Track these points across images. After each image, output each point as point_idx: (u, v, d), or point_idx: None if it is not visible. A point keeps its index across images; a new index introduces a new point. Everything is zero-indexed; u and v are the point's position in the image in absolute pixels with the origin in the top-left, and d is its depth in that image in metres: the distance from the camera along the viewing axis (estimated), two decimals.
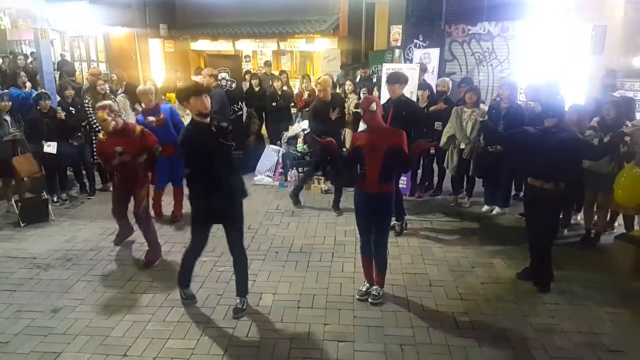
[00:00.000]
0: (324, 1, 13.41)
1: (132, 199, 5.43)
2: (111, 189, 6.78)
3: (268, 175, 8.41)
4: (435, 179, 7.75)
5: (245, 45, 15.07)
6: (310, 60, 14.76)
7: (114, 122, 5.10)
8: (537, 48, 9.29)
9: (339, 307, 4.42)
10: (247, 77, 10.61)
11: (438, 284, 4.84)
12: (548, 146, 4.38)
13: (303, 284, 4.84)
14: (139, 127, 5.31)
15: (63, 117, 6.93)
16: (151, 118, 6.09)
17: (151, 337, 3.98)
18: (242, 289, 4.38)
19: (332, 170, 7.14)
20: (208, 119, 4.01)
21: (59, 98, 7.55)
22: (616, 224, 6.20)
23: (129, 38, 15.44)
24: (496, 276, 5.04)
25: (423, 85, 7.63)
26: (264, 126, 10.28)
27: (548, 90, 6.02)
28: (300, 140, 8.61)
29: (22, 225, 6.34)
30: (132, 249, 5.73)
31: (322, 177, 7.89)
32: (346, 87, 9.00)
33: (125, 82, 9.12)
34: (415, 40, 10.77)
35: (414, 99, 7.20)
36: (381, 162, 4.16)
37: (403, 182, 7.29)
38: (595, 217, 5.92)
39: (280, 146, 8.81)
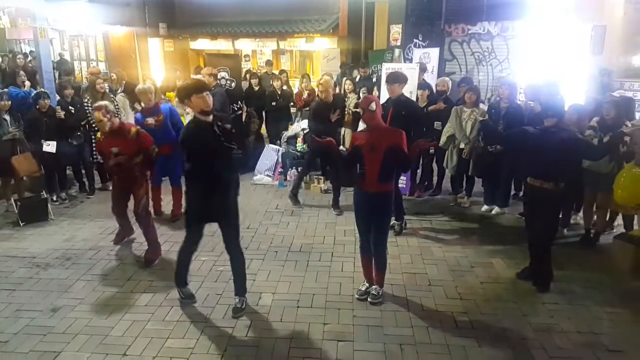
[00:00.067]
0: (324, 0, 13.41)
1: (131, 197, 5.44)
2: (110, 188, 6.78)
3: (268, 175, 8.41)
4: (435, 178, 7.75)
5: (245, 45, 15.07)
6: (310, 60, 14.76)
7: (109, 123, 5.12)
8: (536, 48, 9.28)
9: (339, 306, 4.42)
10: (248, 76, 10.59)
11: (437, 284, 4.85)
12: (548, 146, 4.38)
13: (302, 283, 4.84)
14: (134, 129, 5.29)
15: (62, 117, 6.93)
16: (150, 120, 6.09)
17: (151, 337, 3.98)
18: (240, 288, 4.37)
19: (331, 169, 7.15)
20: (210, 117, 4.00)
21: (58, 97, 7.54)
22: (615, 223, 6.21)
23: (129, 37, 15.43)
24: (496, 276, 5.04)
25: (423, 85, 7.64)
26: (263, 126, 10.29)
27: (548, 90, 6.02)
28: (299, 139, 8.61)
29: (21, 224, 6.34)
30: (132, 248, 5.73)
31: (322, 177, 7.90)
32: (346, 87, 9.01)
33: (124, 81, 9.12)
34: (414, 40, 10.77)
35: (414, 98, 7.20)
36: (381, 161, 4.16)
37: (402, 181, 7.29)
38: (595, 216, 5.93)
39: (280, 146, 8.81)
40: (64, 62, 14.06)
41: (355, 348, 3.84)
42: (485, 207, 6.92)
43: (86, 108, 7.27)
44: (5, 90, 7.36)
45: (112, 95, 7.87)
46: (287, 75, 10.53)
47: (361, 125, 6.62)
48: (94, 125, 7.15)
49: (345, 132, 8.59)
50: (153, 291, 4.70)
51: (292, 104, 9.85)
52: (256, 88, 9.97)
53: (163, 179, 6.71)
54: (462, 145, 6.66)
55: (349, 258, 5.38)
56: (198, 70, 10.01)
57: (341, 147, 7.42)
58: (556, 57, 8.89)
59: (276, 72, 11.09)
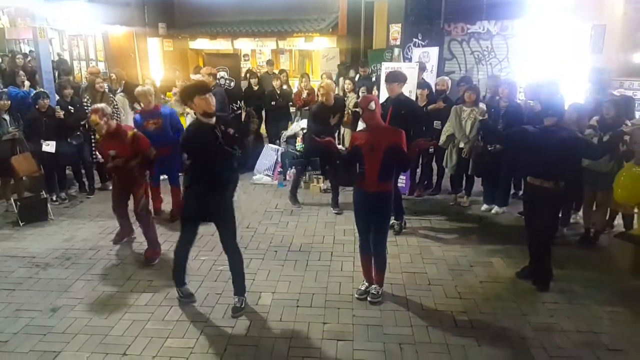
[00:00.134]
0: (323, 0, 13.40)
1: (131, 197, 5.46)
2: (110, 187, 6.78)
3: (267, 175, 8.41)
4: (435, 178, 7.75)
5: (244, 44, 15.05)
6: (309, 59, 14.75)
7: (106, 126, 5.15)
8: (536, 47, 9.29)
9: (338, 306, 4.42)
10: (248, 76, 10.57)
11: (437, 283, 4.84)
12: (548, 145, 4.38)
13: (302, 283, 4.84)
14: (130, 132, 5.31)
15: (62, 116, 6.92)
16: (150, 126, 6.10)
17: (150, 336, 3.98)
18: (239, 287, 4.37)
19: (330, 169, 7.15)
20: (213, 120, 3.99)
21: (57, 97, 7.54)
22: (615, 222, 6.21)
23: (128, 37, 15.41)
24: (495, 275, 5.04)
25: (422, 84, 7.63)
26: (263, 125, 10.29)
27: (548, 89, 6.02)
28: (299, 139, 8.61)
29: (21, 224, 6.33)
30: (132, 248, 5.73)
31: (321, 176, 7.90)
32: (345, 86, 9.00)
33: (124, 81, 9.11)
34: (414, 39, 10.77)
35: (413, 97, 7.20)
36: (380, 161, 4.15)
37: (402, 181, 7.29)
38: (595, 216, 5.92)
39: (279, 145, 8.81)
40: (62, 61, 14.05)
41: (355, 347, 3.84)
42: (484, 207, 6.92)
43: (85, 108, 7.27)
44: (5, 90, 7.36)
45: (111, 95, 7.88)
46: (287, 75, 10.52)
47: (360, 125, 6.63)
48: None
49: (345, 132, 8.59)
50: (153, 291, 4.70)
51: (291, 103, 9.84)
52: (255, 88, 9.97)
53: (162, 178, 6.72)
54: (461, 145, 6.66)
55: (349, 257, 5.38)
56: (197, 69, 10.00)
57: (341, 147, 7.42)
58: (556, 56, 8.89)
59: (276, 71, 11.09)
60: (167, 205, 6.79)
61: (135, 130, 5.45)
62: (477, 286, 4.81)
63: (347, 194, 6.66)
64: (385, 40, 11.33)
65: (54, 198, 7.19)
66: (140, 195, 5.36)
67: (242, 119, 9.51)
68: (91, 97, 7.53)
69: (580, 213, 6.24)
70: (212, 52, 14.92)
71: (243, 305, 4.33)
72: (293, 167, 8.16)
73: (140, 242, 5.72)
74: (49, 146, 6.82)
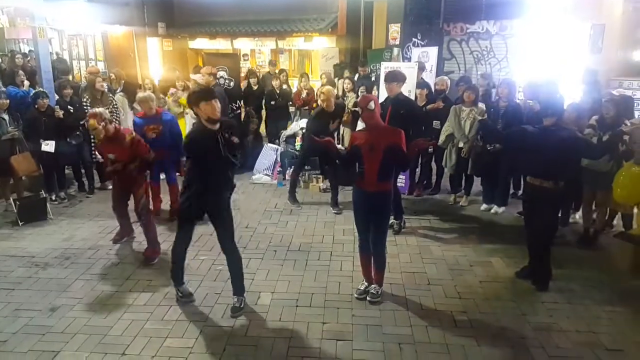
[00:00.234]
0: (323, 0, 13.39)
1: (131, 197, 5.48)
2: (110, 187, 6.79)
3: (266, 174, 8.41)
4: (434, 177, 7.74)
5: (244, 44, 15.04)
6: (309, 59, 14.73)
7: (104, 131, 5.17)
8: (535, 47, 9.29)
9: (338, 305, 4.42)
10: (249, 76, 10.56)
11: (436, 283, 4.84)
12: (547, 145, 4.38)
13: (301, 282, 4.84)
14: (129, 136, 5.32)
15: (61, 116, 6.92)
16: (151, 134, 6.10)
17: (150, 336, 3.98)
18: (239, 287, 4.38)
19: (330, 168, 7.15)
20: (217, 126, 3.99)
21: (57, 97, 7.54)
22: (614, 222, 6.21)
23: (127, 36, 15.39)
24: (495, 275, 5.04)
25: (421, 84, 7.63)
26: (263, 125, 10.28)
27: (547, 89, 6.02)
28: (298, 139, 8.60)
29: (20, 224, 6.33)
30: (131, 248, 5.73)
31: (321, 176, 7.90)
32: (345, 86, 9.00)
33: (123, 81, 9.11)
34: (413, 39, 10.77)
35: (413, 97, 7.19)
36: (380, 161, 4.15)
37: (401, 180, 7.29)
38: (594, 215, 5.93)
39: (279, 145, 8.81)
40: (61, 61, 14.02)
41: (354, 347, 3.83)
42: (484, 206, 6.92)
43: (85, 108, 7.27)
44: (3, 89, 7.35)
45: (110, 95, 7.87)
46: (287, 75, 10.52)
47: (360, 125, 6.62)
48: None
49: (345, 132, 8.59)
50: (152, 290, 4.70)
51: (290, 103, 9.84)
52: (255, 87, 9.96)
53: (161, 177, 6.72)
54: (460, 144, 6.66)
55: (348, 257, 5.38)
56: (197, 69, 9.99)
57: (340, 146, 7.42)
58: (555, 56, 8.89)
59: (276, 71, 11.08)
60: (166, 205, 6.78)
61: (133, 134, 5.45)
62: (477, 286, 4.81)
63: (346, 194, 6.67)
64: (384, 40, 11.33)
65: (53, 198, 7.19)
66: (141, 195, 5.37)
67: (242, 119, 9.50)
68: (91, 96, 7.53)
69: (580, 213, 6.24)
70: (211, 52, 14.88)
71: (242, 305, 4.33)
72: (292, 166, 8.16)
73: (139, 242, 5.73)
74: (48, 146, 6.82)
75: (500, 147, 6.12)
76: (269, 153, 8.63)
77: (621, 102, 5.65)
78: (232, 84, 9.57)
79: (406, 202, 6.79)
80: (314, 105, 8.80)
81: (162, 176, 6.73)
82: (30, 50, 14.24)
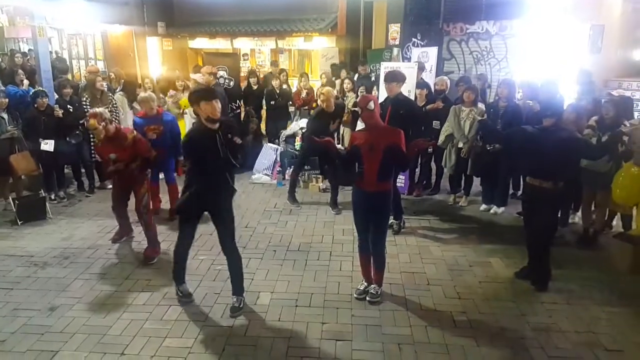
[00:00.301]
0: (322, 0, 13.38)
1: (131, 196, 5.48)
2: (109, 187, 6.77)
3: (266, 174, 8.41)
4: (433, 177, 7.74)
5: (243, 44, 15.03)
6: (309, 59, 14.73)
7: (105, 131, 5.16)
8: (535, 47, 9.29)
9: (337, 306, 4.41)
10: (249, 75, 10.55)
11: (436, 283, 4.84)
12: (547, 145, 4.38)
13: (301, 282, 4.84)
14: (130, 135, 5.31)
15: (60, 115, 6.91)
16: (151, 135, 6.10)
17: (149, 336, 3.98)
18: (238, 287, 4.37)
19: (330, 168, 7.15)
20: (216, 125, 3.99)
21: (56, 96, 7.53)
22: (614, 222, 6.21)
23: (127, 36, 15.38)
24: (494, 275, 5.04)
25: (421, 84, 7.63)
26: (263, 125, 10.28)
27: (547, 89, 6.02)
28: (298, 138, 8.60)
29: (19, 223, 6.32)
30: (130, 247, 5.73)
31: (321, 176, 7.90)
32: (345, 86, 9.00)
33: (123, 80, 9.10)
34: (413, 39, 10.76)
35: (412, 97, 7.19)
36: (379, 161, 4.15)
37: (401, 180, 7.29)
38: (593, 216, 5.93)
39: (279, 145, 8.81)
40: (60, 60, 14.02)
41: (354, 347, 3.83)
42: (483, 207, 6.92)
43: (84, 107, 7.27)
44: (3, 88, 7.35)
45: (110, 94, 7.87)
46: (287, 75, 10.52)
47: (360, 125, 6.62)
48: None
49: (344, 132, 8.59)
50: (151, 290, 4.69)
51: (290, 103, 9.84)
52: (255, 87, 9.96)
53: (160, 177, 6.73)
54: (460, 145, 6.66)
55: (348, 257, 5.38)
56: (197, 69, 9.99)
57: (340, 146, 7.42)
58: (554, 57, 8.89)
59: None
60: (165, 204, 6.78)
61: (135, 133, 5.44)
62: (476, 286, 4.81)
63: (346, 194, 6.67)
64: (384, 40, 11.33)
65: (53, 197, 7.18)
66: (143, 194, 5.36)
67: (242, 119, 9.50)
68: (90, 96, 7.52)
69: (579, 213, 6.24)
70: (211, 52, 14.88)
71: (241, 305, 4.32)
72: (292, 166, 8.16)
73: (139, 242, 5.72)
74: (48, 145, 6.81)
75: (499, 147, 6.11)
76: (269, 153, 8.63)
77: (620, 103, 5.67)
78: (231, 83, 9.57)
79: (406, 202, 6.78)
80: (314, 105, 8.81)
81: (161, 176, 6.73)
82: (29, 49, 14.24)
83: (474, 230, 6.23)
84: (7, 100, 6.64)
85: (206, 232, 5.29)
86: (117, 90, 8.61)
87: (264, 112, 10.33)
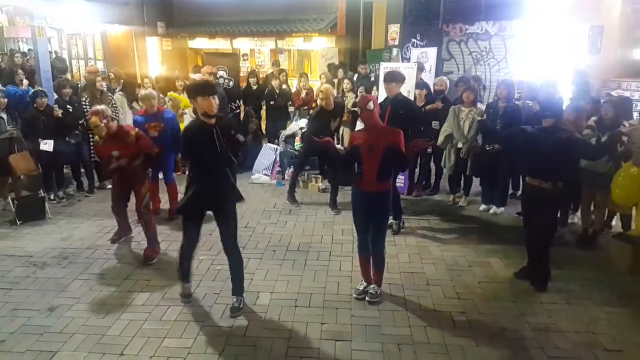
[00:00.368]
0: (322, 0, 13.39)
1: (131, 196, 5.47)
2: (109, 187, 6.76)
3: (265, 174, 8.41)
4: (433, 178, 7.75)
5: (243, 44, 15.03)
6: (308, 59, 14.73)
7: (106, 128, 5.15)
8: (534, 47, 9.29)
9: (337, 306, 4.41)
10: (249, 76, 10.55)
11: (435, 283, 4.84)
12: (546, 145, 4.38)
13: (300, 282, 4.84)
14: (133, 132, 5.30)
15: (60, 115, 6.90)
16: (153, 132, 6.09)
17: (148, 336, 3.97)
18: (238, 287, 4.37)
19: (329, 168, 7.15)
20: (213, 120, 3.99)
21: (56, 96, 7.53)
22: (613, 223, 6.21)
23: (127, 36, 15.37)
24: (494, 275, 5.04)
25: (420, 84, 7.63)
26: (262, 125, 10.27)
27: (546, 89, 6.02)
28: (297, 138, 8.61)
29: (18, 223, 6.32)
30: (129, 247, 5.72)
31: (320, 176, 7.90)
32: (344, 86, 9.00)
33: (122, 80, 9.10)
34: (412, 39, 10.77)
35: (412, 98, 7.19)
36: (379, 161, 4.15)
37: (400, 181, 7.29)
38: (593, 216, 5.93)
39: (278, 145, 8.81)
40: (60, 60, 14.01)
41: (353, 348, 3.83)
42: (483, 207, 6.92)
43: (84, 107, 7.27)
44: (2, 88, 7.34)
45: (109, 94, 7.87)
46: (286, 75, 10.52)
47: (359, 125, 6.62)
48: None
49: (344, 132, 8.59)
50: (150, 290, 4.69)
51: (290, 103, 9.84)
52: (254, 87, 9.96)
53: (159, 177, 6.72)
54: (459, 145, 6.66)
55: (347, 257, 5.38)
56: (197, 69, 10.00)
57: (339, 146, 7.42)
58: (554, 57, 8.89)
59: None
60: (164, 204, 6.77)
61: (137, 129, 5.44)
62: (476, 286, 4.81)
63: (345, 194, 6.67)
64: (383, 41, 11.33)
65: (52, 197, 7.18)
66: (144, 193, 5.35)
67: (241, 119, 9.50)
68: (90, 96, 7.52)
69: (579, 213, 6.24)
70: (211, 52, 14.86)
71: (241, 305, 4.32)
72: (291, 166, 8.16)
73: (138, 242, 5.72)
74: (47, 145, 6.81)
75: (499, 147, 6.12)
76: (268, 153, 8.63)
77: (620, 103, 5.67)
78: (231, 83, 9.58)
79: (405, 202, 6.79)
80: (313, 105, 8.80)
81: (160, 176, 6.73)
82: (29, 49, 14.22)
83: (473, 230, 6.23)
84: (6, 100, 6.63)
85: (206, 232, 5.26)
86: (117, 90, 8.61)
87: (263, 112, 10.33)
